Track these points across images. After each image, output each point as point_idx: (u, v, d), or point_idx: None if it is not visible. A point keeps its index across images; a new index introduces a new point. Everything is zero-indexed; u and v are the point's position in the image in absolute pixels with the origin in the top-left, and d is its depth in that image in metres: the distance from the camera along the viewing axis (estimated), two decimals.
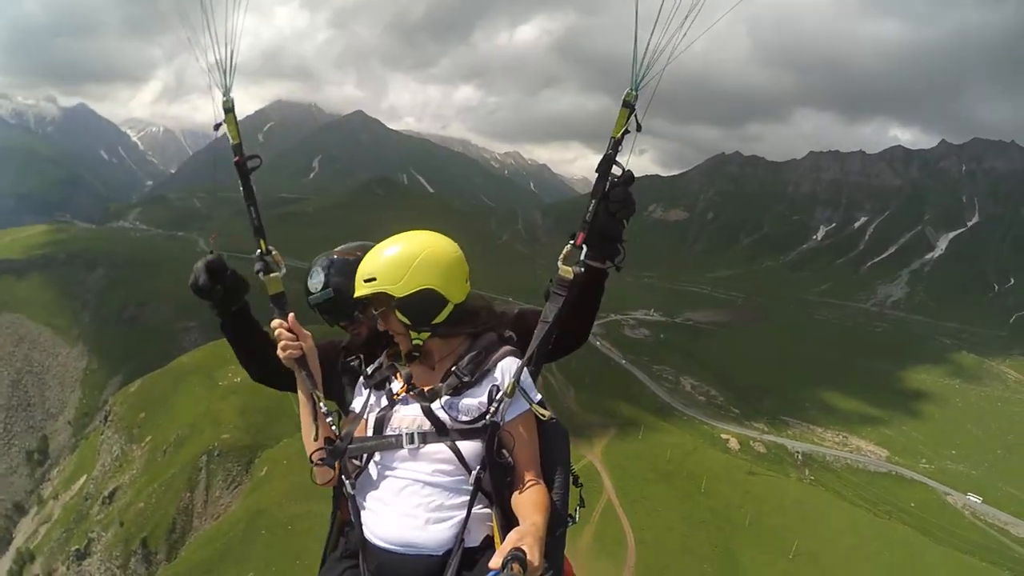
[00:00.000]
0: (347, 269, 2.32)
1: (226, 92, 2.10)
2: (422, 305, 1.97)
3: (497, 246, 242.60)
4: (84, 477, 77.26)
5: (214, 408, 65.83)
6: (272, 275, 2.21)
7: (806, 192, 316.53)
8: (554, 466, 2.05)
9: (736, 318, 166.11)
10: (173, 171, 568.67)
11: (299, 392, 2.14)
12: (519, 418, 1.97)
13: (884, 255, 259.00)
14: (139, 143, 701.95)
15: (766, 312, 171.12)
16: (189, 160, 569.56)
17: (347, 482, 2.00)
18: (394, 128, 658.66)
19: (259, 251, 2.19)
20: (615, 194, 2.05)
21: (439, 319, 2.01)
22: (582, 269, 2.05)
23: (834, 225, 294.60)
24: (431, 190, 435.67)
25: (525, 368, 1.99)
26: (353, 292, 2.06)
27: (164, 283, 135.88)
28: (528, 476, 1.94)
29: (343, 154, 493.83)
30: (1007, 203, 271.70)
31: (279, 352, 2.09)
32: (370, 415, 2.06)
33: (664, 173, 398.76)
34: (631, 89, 1.96)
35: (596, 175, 2.07)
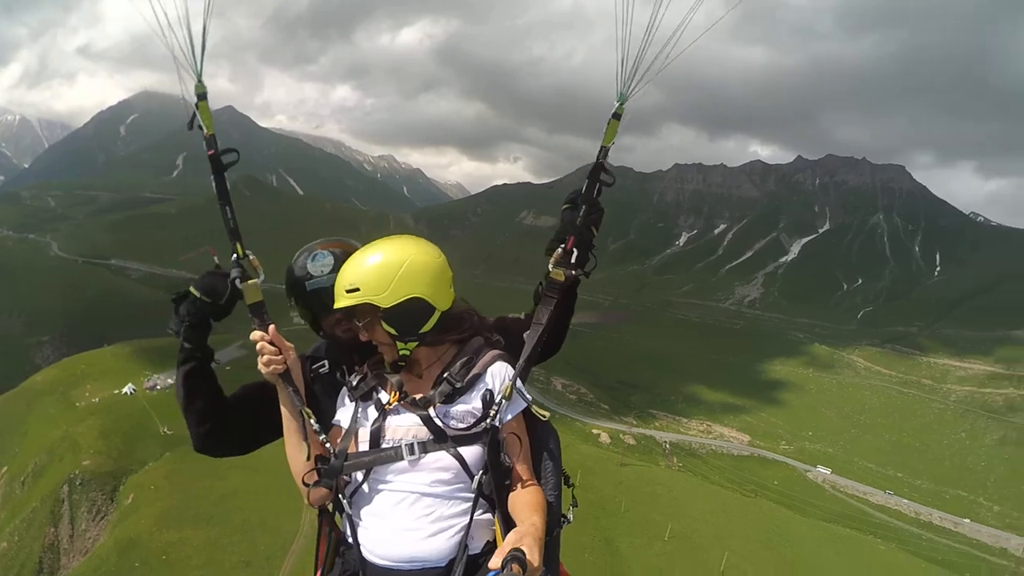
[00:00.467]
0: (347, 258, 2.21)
1: (198, 77, 1.92)
2: (409, 315, 1.94)
3: None
4: None
5: (72, 432, 59.76)
6: (251, 282, 2.04)
7: (671, 201, 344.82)
8: (547, 466, 2.10)
9: (604, 319, 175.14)
10: (27, 165, 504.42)
11: (283, 410, 2.03)
12: (513, 419, 2.00)
13: (741, 259, 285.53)
14: None
15: (632, 312, 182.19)
16: (45, 153, 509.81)
17: (344, 501, 1.95)
18: (265, 126, 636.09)
19: (235, 256, 2.03)
20: (595, 206, 2.18)
21: (426, 327, 1.98)
22: (573, 272, 2.11)
23: (696, 232, 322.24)
24: (300, 191, 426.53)
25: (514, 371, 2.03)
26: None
27: (14, 293, 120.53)
28: (524, 477, 1.95)
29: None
30: (856, 213, 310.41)
31: (261, 367, 1.97)
32: (361, 428, 1.99)
33: (536, 180, 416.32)
34: (617, 102, 2.03)
35: (586, 181, 2.20)
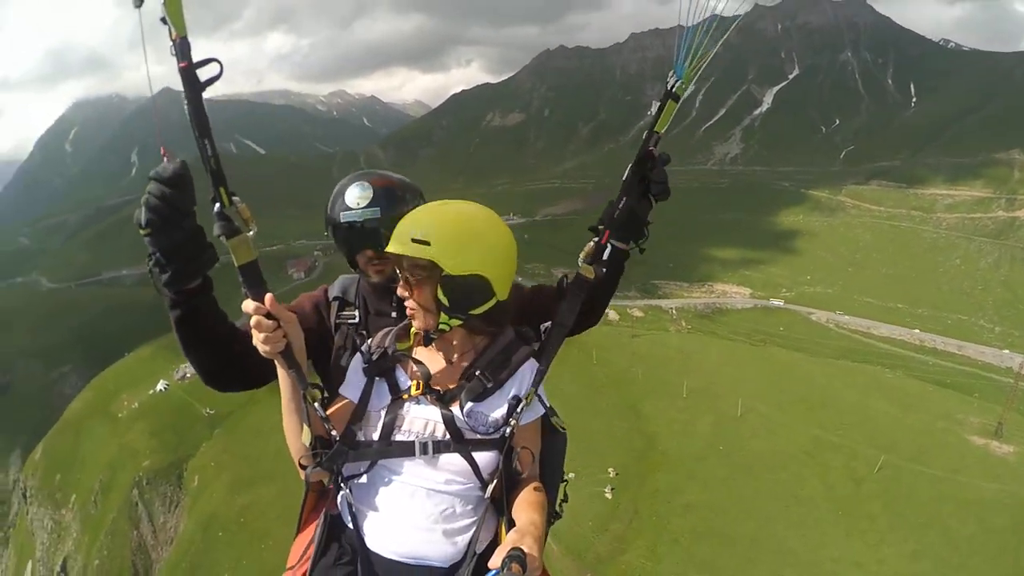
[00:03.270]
0: (390, 195, 2.09)
1: None
2: (468, 291, 1.71)
3: None
4: (30, 564, 72.01)
5: (125, 441, 63.47)
6: (239, 237, 1.49)
7: (634, 72, 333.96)
8: (552, 465, 2.01)
9: (590, 204, 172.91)
10: None
11: (282, 386, 1.71)
12: (530, 424, 1.87)
13: (716, 118, 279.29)
14: None
15: (616, 192, 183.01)
16: (0, 196, 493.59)
17: (345, 489, 1.78)
18: (207, 97, 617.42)
19: (218, 204, 1.45)
20: (657, 174, 2.00)
21: (478, 311, 1.75)
22: (604, 270, 1.97)
23: None
24: (262, 151, 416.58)
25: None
26: (395, 217, 1.80)
27: (21, 338, 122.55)
28: (529, 477, 1.86)
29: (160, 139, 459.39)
30: (823, 53, 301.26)
31: (258, 344, 1.56)
32: (372, 413, 1.79)
33: (494, 80, 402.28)
34: (680, 80, 1.82)
35: (629, 170, 1.97)
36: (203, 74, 1.41)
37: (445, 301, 1.71)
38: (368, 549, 1.74)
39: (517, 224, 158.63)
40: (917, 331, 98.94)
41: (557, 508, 2.09)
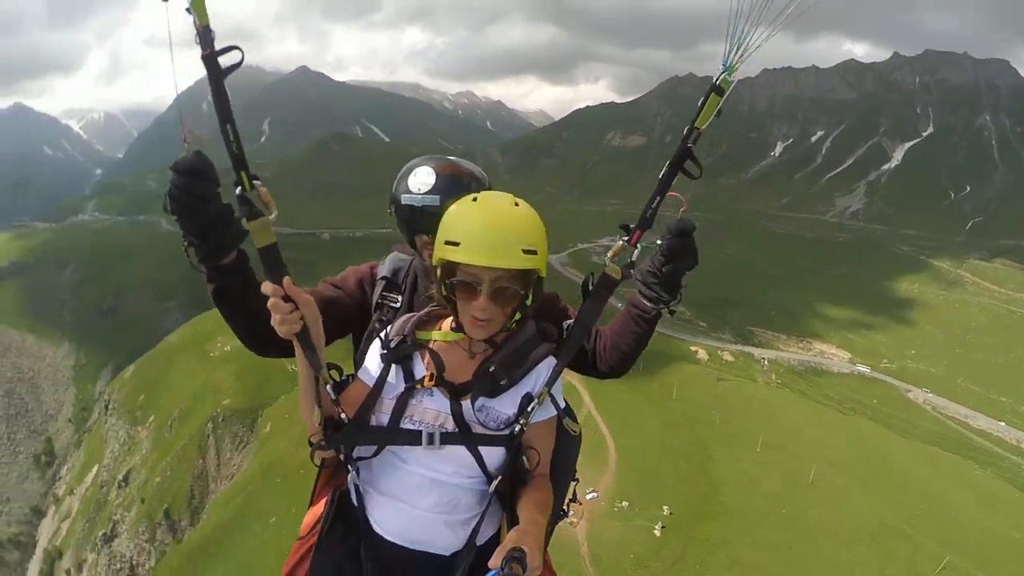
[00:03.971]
0: (454, 184, 2.09)
1: None
2: (541, 283, 1.74)
3: None
4: (96, 467, 79.34)
5: (211, 378, 68.15)
6: (260, 220, 1.53)
7: (762, 109, 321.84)
8: (563, 466, 1.98)
9: (698, 236, 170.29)
10: (121, 156, 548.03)
11: (298, 365, 1.71)
12: (543, 423, 1.84)
13: (841, 167, 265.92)
14: (82, 132, 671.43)
15: (727, 228, 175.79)
16: (135, 142, 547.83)
17: (352, 470, 1.80)
18: (341, 80, 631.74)
19: (239, 187, 1.52)
20: (670, 245, 1.92)
21: (530, 300, 1.74)
22: (632, 271, 1.92)
23: (791, 140, 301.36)
24: (387, 139, 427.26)
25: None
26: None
27: (136, 270, 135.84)
28: (536, 475, 1.84)
29: (292, 113, 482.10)
30: (960, 113, 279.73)
31: (275, 325, 1.57)
32: (386, 398, 1.78)
33: (620, 99, 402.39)
34: (726, 73, 1.70)
35: (665, 169, 1.86)
36: (224, 61, 1.44)
37: (529, 301, 1.71)
38: (372, 530, 1.77)
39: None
40: (1017, 430, 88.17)
41: (564, 507, 2.06)
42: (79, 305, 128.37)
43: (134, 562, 60.53)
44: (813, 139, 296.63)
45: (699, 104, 1.75)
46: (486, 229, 1.59)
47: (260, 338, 1.85)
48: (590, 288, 1.94)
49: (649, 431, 54.36)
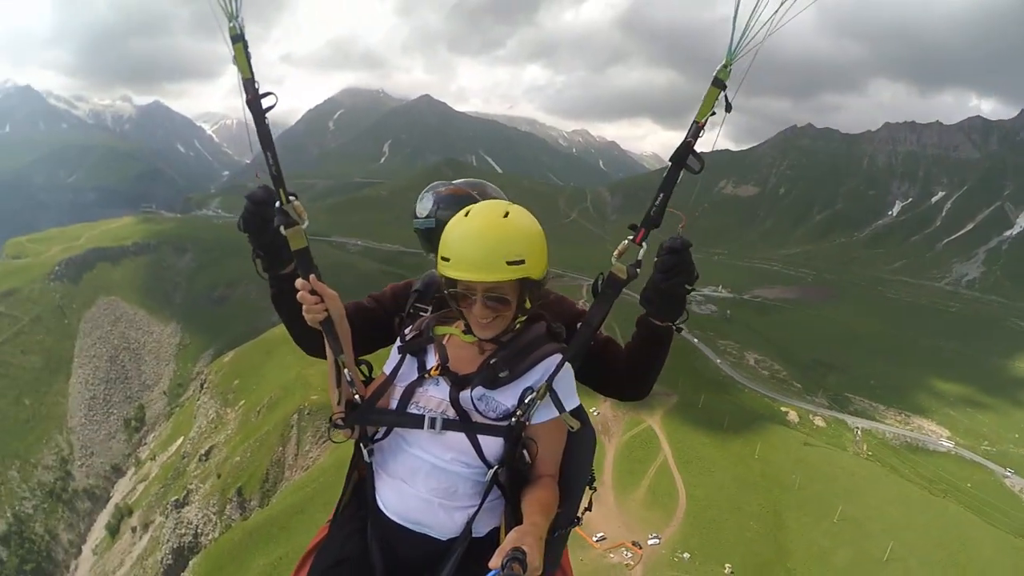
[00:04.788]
0: (454, 202, 2.29)
1: (232, 17, 1.75)
2: (542, 285, 1.86)
3: (565, 224, 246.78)
4: (181, 439, 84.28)
5: (303, 373, 71.60)
6: (294, 228, 1.89)
7: (881, 165, 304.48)
8: (574, 469, 2.00)
9: (805, 295, 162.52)
10: (248, 161, 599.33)
11: (327, 352, 1.96)
12: (549, 422, 1.85)
13: (961, 232, 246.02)
14: (214, 136, 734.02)
15: (837, 289, 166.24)
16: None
17: (364, 450, 1.93)
18: (461, 110, 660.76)
19: (278, 203, 1.89)
20: (662, 263, 1.87)
21: (530, 303, 1.86)
22: (637, 270, 1.90)
23: (910, 200, 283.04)
24: (499, 170, 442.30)
25: (570, 370, 1.89)
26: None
27: (249, 266, 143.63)
28: (541, 474, 1.85)
29: (412, 138, 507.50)
30: None
31: (304, 314, 1.89)
32: (398, 385, 1.95)
33: (735, 147, 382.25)
34: (725, 64, 1.71)
35: (669, 164, 1.92)
36: (265, 103, 1.89)
37: (528, 304, 1.86)
38: (379, 509, 1.91)
39: (722, 298, 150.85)
40: None
41: (579, 514, 2.09)
42: (191, 290, 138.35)
43: (199, 531, 63.75)
44: (934, 200, 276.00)
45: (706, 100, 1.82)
46: (470, 244, 1.73)
47: (307, 339, 2.17)
48: (599, 289, 2.00)
49: (723, 486, 53.30)
